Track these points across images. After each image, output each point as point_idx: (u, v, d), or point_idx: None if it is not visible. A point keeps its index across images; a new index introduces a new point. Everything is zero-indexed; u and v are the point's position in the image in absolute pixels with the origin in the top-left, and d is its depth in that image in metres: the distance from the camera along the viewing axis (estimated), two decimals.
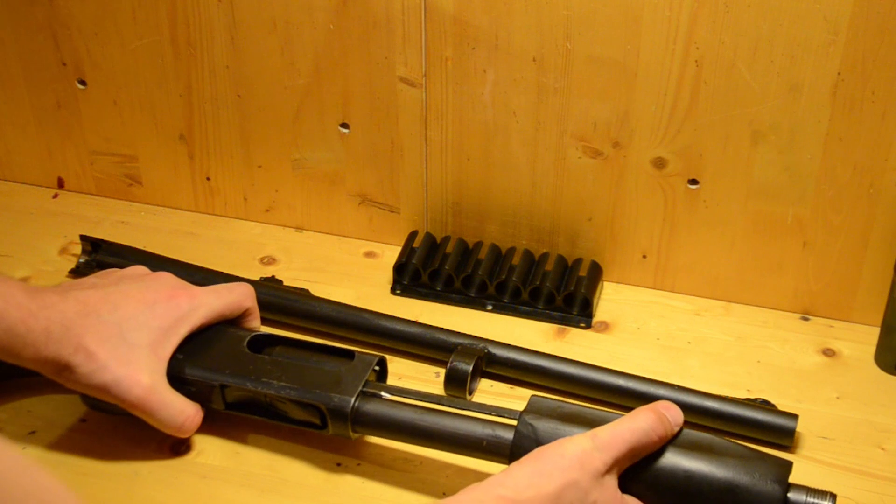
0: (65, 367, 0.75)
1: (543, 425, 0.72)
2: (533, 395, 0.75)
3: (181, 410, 0.78)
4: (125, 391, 0.76)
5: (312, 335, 0.92)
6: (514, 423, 0.73)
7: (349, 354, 0.81)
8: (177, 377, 0.79)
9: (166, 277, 0.83)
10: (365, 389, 0.78)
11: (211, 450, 0.81)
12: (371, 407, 0.77)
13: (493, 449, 0.74)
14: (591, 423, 0.72)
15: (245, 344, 0.82)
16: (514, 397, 0.87)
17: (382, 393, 0.78)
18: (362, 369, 0.79)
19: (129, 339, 0.77)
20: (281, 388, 0.78)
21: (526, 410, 0.74)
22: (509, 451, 0.72)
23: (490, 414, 0.76)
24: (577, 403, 0.75)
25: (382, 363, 0.82)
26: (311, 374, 0.79)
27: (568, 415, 0.73)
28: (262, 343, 0.83)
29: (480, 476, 0.78)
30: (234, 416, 0.81)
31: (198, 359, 0.80)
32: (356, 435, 0.78)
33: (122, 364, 0.76)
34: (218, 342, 0.82)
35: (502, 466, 0.76)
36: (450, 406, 0.77)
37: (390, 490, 0.78)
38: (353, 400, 0.77)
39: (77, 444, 0.81)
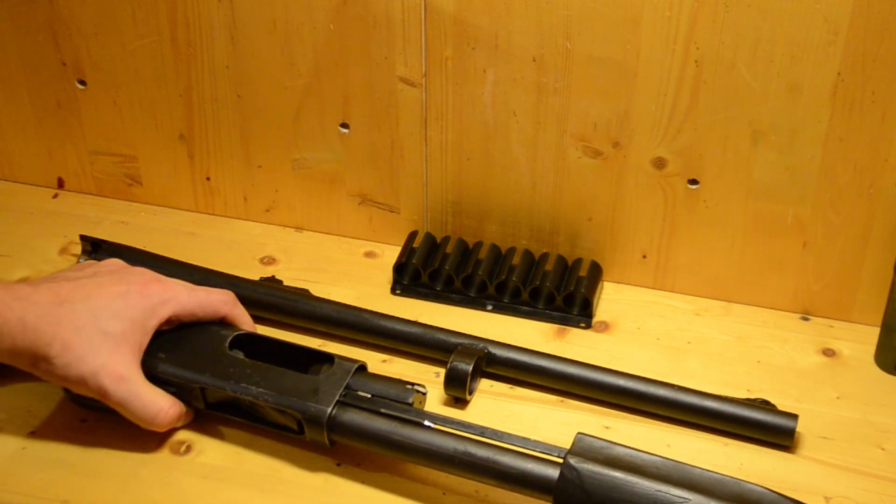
0: (42, 359, 0.75)
1: (587, 469, 0.70)
2: (578, 434, 0.73)
3: (153, 402, 0.78)
4: (100, 381, 0.76)
5: (312, 335, 0.92)
6: (560, 460, 0.72)
7: (329, 359, 0.81)
8: (158, 377, 0.79)
9: (141, 270, 0.83)
10: (342, 399, 0.78)
11: (211, 450, 0.81)
12: (348, 417, 0.77)
13: (464, 466, 0.74)
14: (636, 468, 0.70)
15: (227, 344, 0.82)
16: (514, 397, 0.87)
17: (426, 422, 0.77)
18: (341, 377, 0.79)
19: (104, 327, 0.77)
20: (259, 393, 0.78)
21: (571, 451, 0.72)
22: (553, 494, 0.71)
23: (535, 450, 0.74)
24: (626, 445, 0.72)
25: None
26: (290, 380, 0.79)
27: (614, 458, 0.71)
28: (244, 343, 0.83)
29: None
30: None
31: (179, 358, 0.80)
32: (332, 443, 0.78)
33: (97, 354, 0.76)
34: (200, 341, 0.82)
35: (474, 484, 0.76)
36: (490, 438, 0.75)
37: (390, 490, 0.78)
38: (329, 409, 0.77)
39: (77, 444, 0.81)
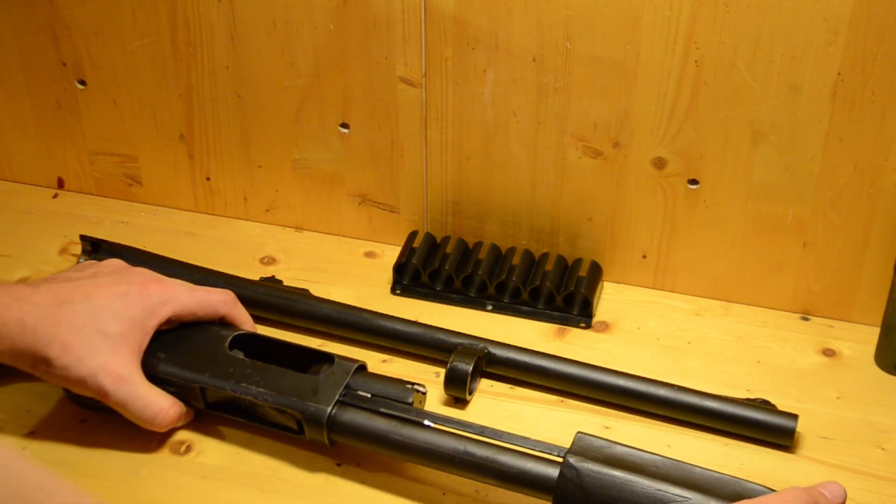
0: (42, 360, 0.75)
1: (587, 468, 0.70)
2: (578, 433, 0.73)
3: (153, 402, 0.78)
4: (100, 382, 0.76)
5: (312, 335, 0.92)
6: (559, 459, 0.72)
7: (329, 359, 0.81)
8: (157, 376, 0.79)
9: (141, 270, 0.84)
10: (342, 399, 0.78)
11: (211, 450, 0.81)
12: (348, 417, 0.77)
13: (463, 466, 0.74)
14: (636, 467, 0.70)
15: (227, 344, 0.82)
16: (514, 397, 0.87)
17: (426, 421, 0.76)
18: (341, 376, 0.79)
19: (103, 328, 0.77)
20: (259, 393, 0.78)
21: (571, 450, 0.72)
22: (553, 494, 0.71)
23: (534, 449, 0.74)
24: (625, 444, 0.72)
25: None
26: (290, 379, 0.79)
27: (614, 457, 0.71)
28: (244, 343, 0.83)
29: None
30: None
31: (179, 358, 0.80)
32: (332, 443, 0.78)
33: (97, 355, 0.76)
34: (200, 341, 0.82)
35: (474, 484, 0.76)
36: (490, 437, 0.75)
37: (390, 489, 0.78)
38: (329, 409, 0.77)
39: (77, 444, 0.81)
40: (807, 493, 0.66)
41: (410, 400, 0.78)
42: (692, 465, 0.71)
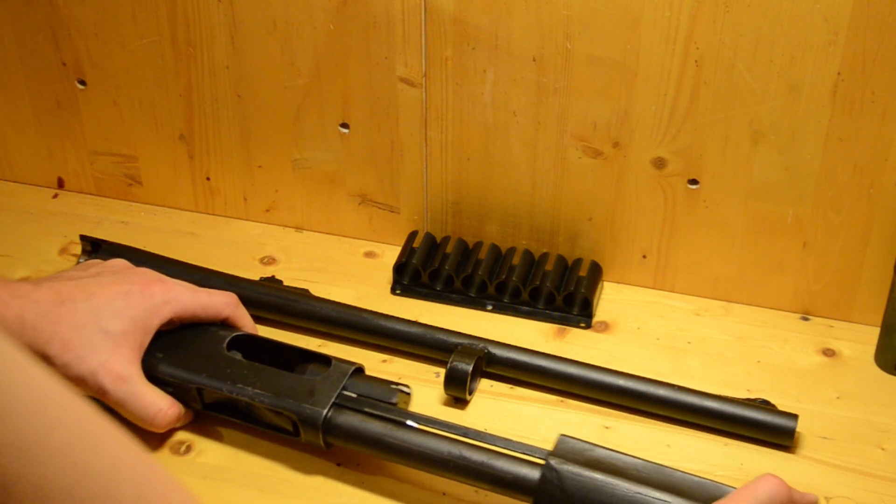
0: (41, 358, 0.75)
1: (568, 470, 0.70)
2: (560, 436, 0.73)
3: (153, 402, 0.78)
4: (100, 381, 0.76)
5: (312, 335, 0.92)
6: (541, 462, 0.72)
7: (326, 361, 0.81)
8: (155, 377, 0.79)
9: (144, 270, 0.84)
10: (338, 402, 0.78)
11: (211, 450, 0.81)
12: (343, 419, 0.77)
13: (459, 470, 0.74)
14: (617, 470, 0.70)
15: (225, 345, 0.82)
16: (514, 397, 0.87)
17: (409, 422, 0.76)
18: (338, 379, 0.79)
19: (104, 326, 0.77)
20: (255, 394, 0.78)
21: (553, 453, 0.72)
22: (533, 496, 0.71)
23: (517, 451, 0.74)
24: (607, 448, 0.72)
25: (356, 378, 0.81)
26: (287, 381, 0.79)
27: (595, 460, 0.71)
28: (242, 344, 0.83)
29: None
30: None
31: (176, 358, 0.80)
32: (328, 445, 0.78)
33: (97, 353, 0.76)
34: (198, 342, 0.82)
35: (468, 489, 0.76)
36: (473, 438, 0.75)
37: (390, 490, 0.78)
38: (324, 411, 0.77)
39: None
40: (781, 484, 0.66)
41: (395, 400, 0.78)
42: (673, 468, 0.71)
